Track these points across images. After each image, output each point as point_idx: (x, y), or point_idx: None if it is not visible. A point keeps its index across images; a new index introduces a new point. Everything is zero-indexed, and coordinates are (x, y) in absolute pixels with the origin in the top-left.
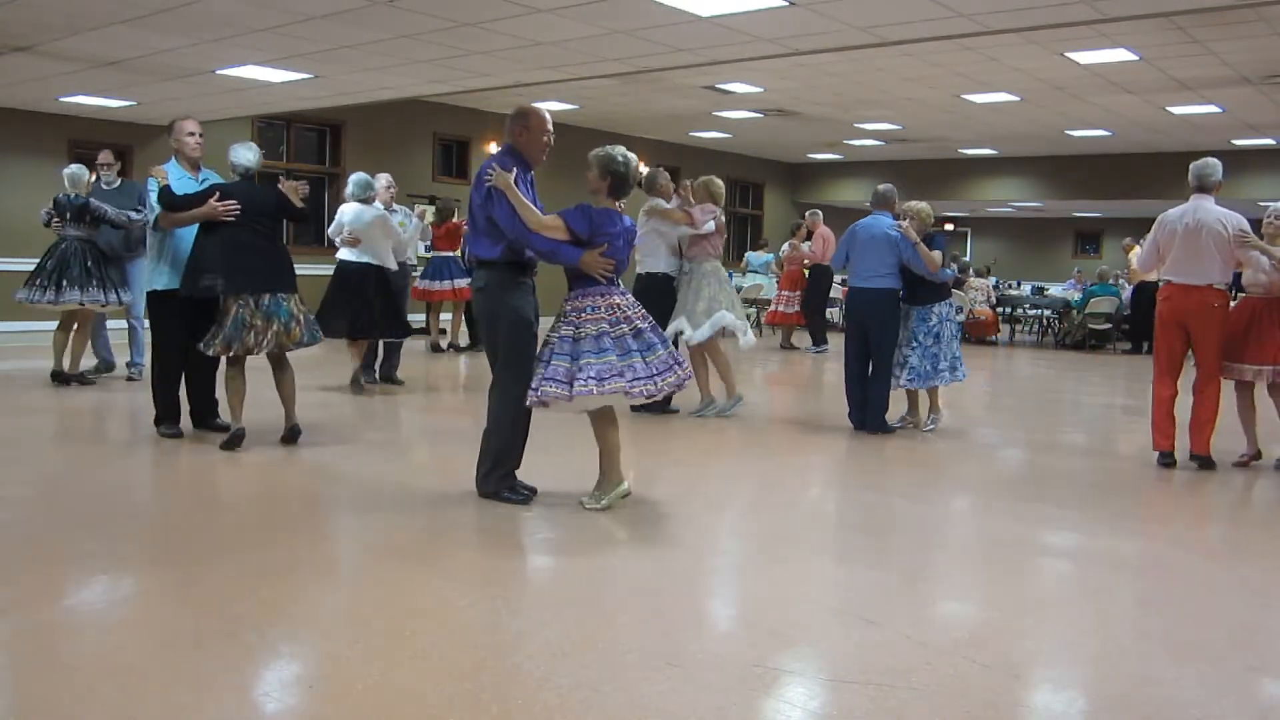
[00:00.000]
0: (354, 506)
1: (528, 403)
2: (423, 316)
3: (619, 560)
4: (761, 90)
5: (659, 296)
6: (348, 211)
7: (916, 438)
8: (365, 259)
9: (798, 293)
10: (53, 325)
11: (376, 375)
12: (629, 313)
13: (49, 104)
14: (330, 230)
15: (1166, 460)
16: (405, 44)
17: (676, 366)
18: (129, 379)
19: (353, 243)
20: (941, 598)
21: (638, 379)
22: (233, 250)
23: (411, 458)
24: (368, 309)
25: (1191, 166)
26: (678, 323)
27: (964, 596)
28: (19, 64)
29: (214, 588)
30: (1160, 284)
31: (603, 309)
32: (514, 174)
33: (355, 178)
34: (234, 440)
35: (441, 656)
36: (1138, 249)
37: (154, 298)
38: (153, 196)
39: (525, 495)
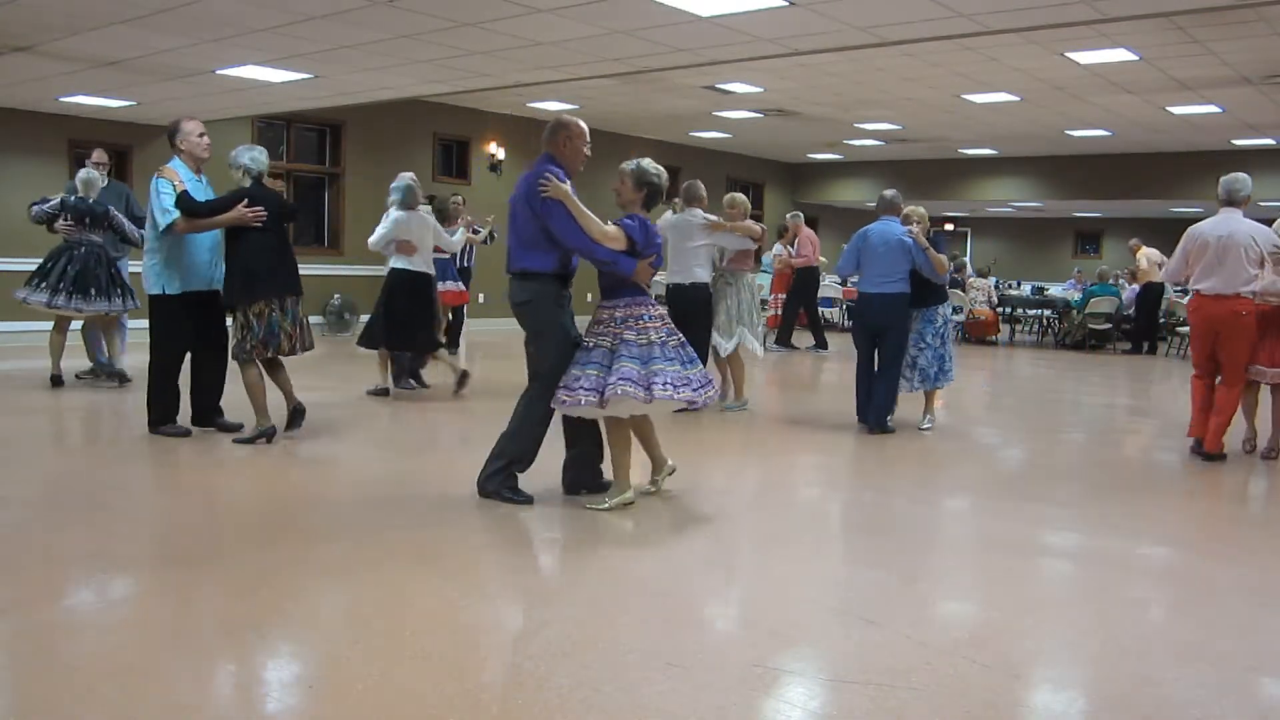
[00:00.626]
0: (354, 506)
1: (581, 403)
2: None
3: (619, 560)
4: (761, 90)
5: (702, 305)
6: (403, 218)
7: (916, 437)
8: (421, 268)
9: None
10: (47, 326)
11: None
12: (672, 325)
13: (49, 104)
14: (379, 240)
15: (1198, 448)
16: (405, 44)
17: (712, 380)
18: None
19: (411, 251)
20: (941, 598)
21: (695, 390)
22: (260, 254)
23: (411, 458)
24: (429, 319)
25: (1221, 181)
26: (739, 332)
27: (964, 596)
28: (19, 64)
29: (214, 588)
30: (1190, 293)
31: (657, 318)
32: (568, 185)
33: (402, 183)
34: (264, 436)
35: (441, 656)
36: (1145, 249)
37: (161, 301)
38: (167, 199)
39: (527, 496)
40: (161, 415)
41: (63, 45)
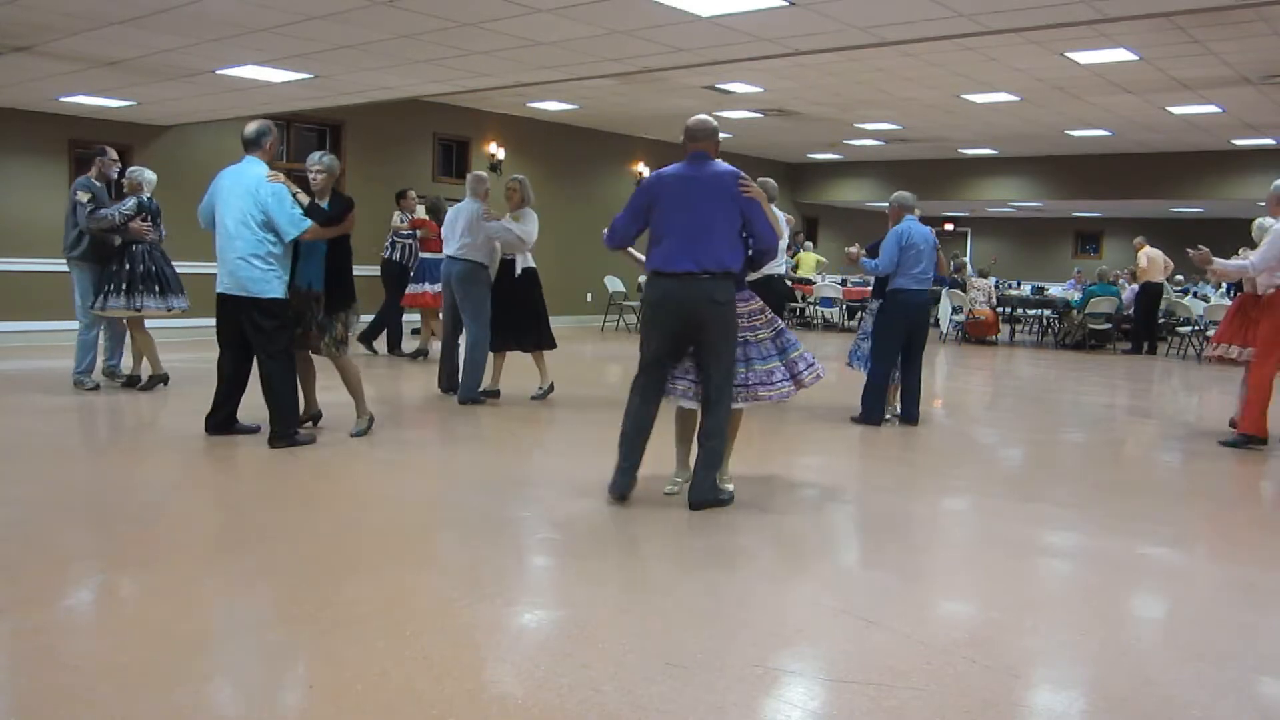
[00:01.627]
0: (354, 506)
1: (788, 394)
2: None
3: (619, 560)
4: (761, 90)
5: (786, 296)
6: (528, 215)
7: (916, 436)
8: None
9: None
10: (47, 326)
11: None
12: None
13: (49, 104)
14: (532, 236)
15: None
16: (405, 44)
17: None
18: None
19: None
20: (941, 598)
21: (809, 366)
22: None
23: (413, 458)
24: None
25: (1276, 185)
26: None
27: (964, 596)
28: (19, 64)
29: (214, 588)
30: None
31: (766, 309)
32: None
33: (525, 180)
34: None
35: (441, 656)
36: (1147, 249)
37: (281, 304)
38: (295, 209)
39: (730, 493)
40: (294, 419)
41: (63, 45)
